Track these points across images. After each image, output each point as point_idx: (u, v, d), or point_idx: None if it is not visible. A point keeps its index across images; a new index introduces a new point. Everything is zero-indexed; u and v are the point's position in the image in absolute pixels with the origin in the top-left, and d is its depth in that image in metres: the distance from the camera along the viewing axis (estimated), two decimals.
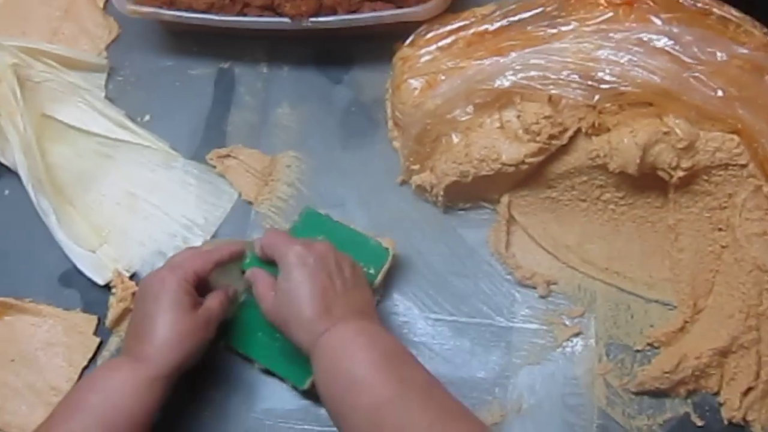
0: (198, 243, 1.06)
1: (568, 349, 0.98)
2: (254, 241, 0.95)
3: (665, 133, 0.93)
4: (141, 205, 1.10)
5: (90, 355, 1.03)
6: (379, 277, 0.97)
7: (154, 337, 0.85)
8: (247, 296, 0.96)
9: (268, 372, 0.98)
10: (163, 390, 0.85)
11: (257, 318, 0.91)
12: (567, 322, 0.99)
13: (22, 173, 1.08)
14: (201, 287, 0.92)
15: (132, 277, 1.07)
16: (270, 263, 0.91)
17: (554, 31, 0.99)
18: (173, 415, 0.98)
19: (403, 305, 1.03)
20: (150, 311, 0.87)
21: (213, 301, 0.91)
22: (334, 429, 0.94)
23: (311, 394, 0.97)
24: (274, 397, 1.00)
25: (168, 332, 0.86)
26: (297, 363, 0.90)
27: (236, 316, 0.97)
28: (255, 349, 0.97)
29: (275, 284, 0.88)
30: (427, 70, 1.02)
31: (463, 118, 0.99)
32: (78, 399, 0.83)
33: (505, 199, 1.02)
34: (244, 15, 1.07)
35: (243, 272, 0.96)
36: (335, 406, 0.79)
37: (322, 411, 0.97)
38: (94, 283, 1.05)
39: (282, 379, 0.97)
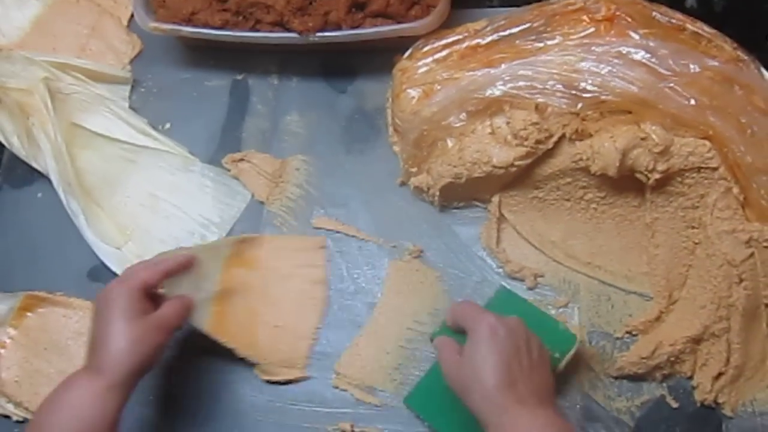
0: (214, 239, 1.08)
1: None
2: (447, 310, 0.91)
3: (642, 139, 0.92)
4: (162, 205, 1.10)
5: None
6: (563, 363, 0.90)
7: (108, 347, 0.83)
8: (435, 363, 0.92)
9: None
10: (121, 397, 0.82)
11: (441, 385, 0.85)
12: (552, 312, 0.98)
13: (53, 177, 1.08)
14: (156, 299, 0.90)
15: None
16: (459, 332, 0.86)
17: (540, 44, 0.99)
18: (188, 399, 0.99)
19: None
20: (103, 323, 0.84)
21: (166, 307, 0.88)
22: (339, 410, 0.98)
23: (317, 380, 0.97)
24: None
25: (120, 341, 0.83)
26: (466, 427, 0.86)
27: (422, 382, 0.93)
28: (433, 415, 0.93)
29: (463, 350, 0.82)
30: (424, 80, 1.02)
31: (457, 125, 0.99)
32: (42, 421, 0.81)
33: (495, 198, 1.02)
34: (257, 30, 1.07)
35: (201, 282, 0.96)
36: None
37: (328, 393, 0.98)
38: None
39: None
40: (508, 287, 0.99)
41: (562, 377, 0.93)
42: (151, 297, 0.89)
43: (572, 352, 0.90)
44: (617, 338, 0.96)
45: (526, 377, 0.78)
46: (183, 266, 0.93)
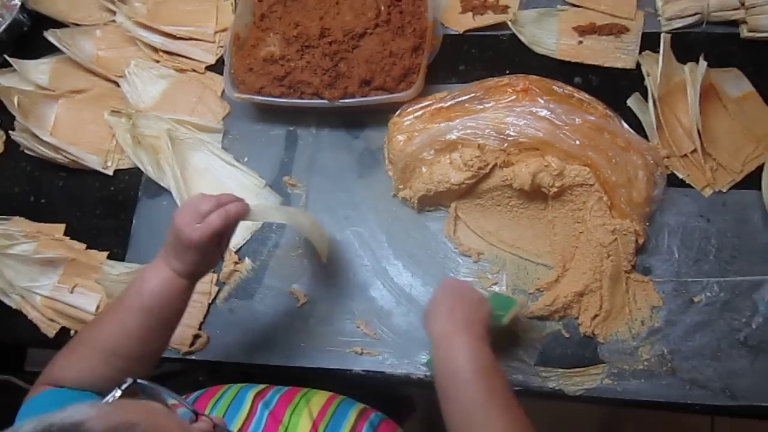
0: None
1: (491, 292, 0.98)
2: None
3: (546, 166, 0.95)
4: None
5: (213, 294, 1.04)
6: (507, 318, 0.88)
7: (186, 260, 0.76)
8: None
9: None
10: (192, 289, 0.79)
11: None
12: (489, 276, 1.00)
13: (173, 192, 1.10)
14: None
15: (237, 251, 1.07)
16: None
17: (481, 107, 1.02)
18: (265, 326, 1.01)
19: (395, 268, 1.03)
20: (178, 240, 0.75)
21: (214, 218, 0.75)
22: (353, 339, 0.99)
23: None
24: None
25: (194, 257, 0.76)
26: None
27: None
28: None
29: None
30: (408, 129, 1.04)
31: (428, 158, 1.01)
32: (136, 300, 0.75)
33: (453, 204, 1.04)
34: (302, 98, 1.07)
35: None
36: (441, 387, 0.73)
37: (347, 328, 1.00)
38: None
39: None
40: (460, 261, 1.02)
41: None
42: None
43: (514, 309, 0.89)
44: (530, 293, 0.98)
45: (463, 311, 0.78)
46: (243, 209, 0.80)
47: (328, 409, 0.78)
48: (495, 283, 1.00)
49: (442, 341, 0.75)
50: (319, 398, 0.80)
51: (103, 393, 0.57)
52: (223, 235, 0.78)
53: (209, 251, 0.77)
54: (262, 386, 0.81)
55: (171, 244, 0.76)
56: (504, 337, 0.95)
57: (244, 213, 0.79)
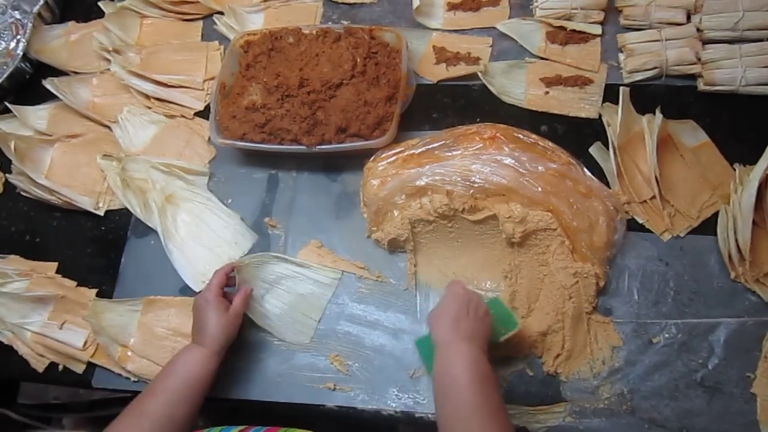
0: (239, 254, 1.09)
1: None
2: (243, 262, 0.99)
3: (508, 217, 0.97)
4: (221, 248, 1.10)
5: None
6: (505, 336, 0.91)
7: (209, 330, 0.90)
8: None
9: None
10: (217, 361, 0.89)
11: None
12: None
13: (159, 231, 1.11)
14: (227, 296, 0.95)
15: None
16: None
17: (450, 154, 1.04)
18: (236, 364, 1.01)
19: (366, 305, 1.03)
20: (203, 316, 0.91)
21: (237, 302, 0.94)
22: (326, 375, 0.99)
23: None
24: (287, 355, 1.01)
25: (215, 328, 0.90)
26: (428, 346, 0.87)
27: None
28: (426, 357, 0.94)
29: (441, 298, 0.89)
30: (381, 174, 1.06)
31: (400, 202, 1.02)
32: (169, 369, 0.87)
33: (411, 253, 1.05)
34: (281, 144, 1.08)
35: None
36: (439, 388, 0.78)
37: (321, 364, 0.99)
38: (195, 292, 1.06)
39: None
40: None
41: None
42: (224, 294, 0.95)
43: (514, 331, 0.91)
44: None
45: (469, 322, 0.83)
46: (231, 269, 0.98)
47: None
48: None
49: (445, 347, 0.80)
50: None
51: None
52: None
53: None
54: (242, 427, 0.81)
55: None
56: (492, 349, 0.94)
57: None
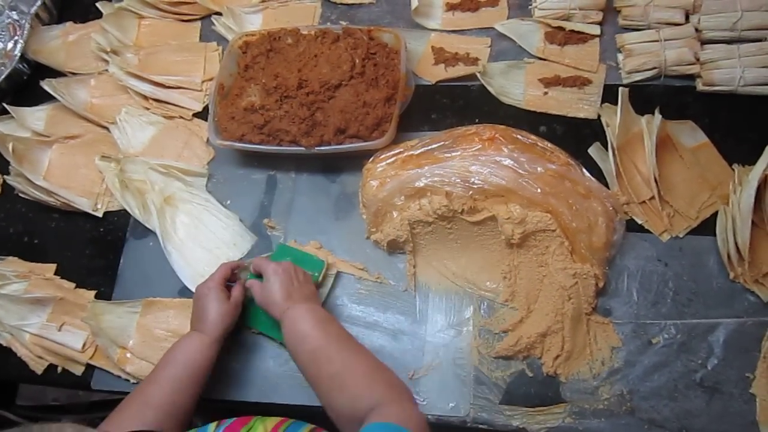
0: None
1: (458, 332, 1.00)
2: (248, 263, 1.01)
3: (507, 218, 0.97)
4: (220, 250, 1.10)
5: None
6: (320, 277, 1.01)
7: (209, 318, 0.91)
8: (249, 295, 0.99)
9: (263, 335, 1.02)
10: (217, 347, 0.91)
11: (255, 307, 0.96)
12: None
13: (158, 232, 1.11)
14: (228, 288, 0.97)
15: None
16: (259, 276, 0.96)
17: (449, 155, 1.03)
18: (234, 365, 1.01)
19: (365, 306, 1.03)
20: (203, 304, 0.93)
21: (236, 292, 0.96)
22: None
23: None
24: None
25: (216, 315, 0.92)
26: (277, 328, 0.92)
27: (246, 308, 0.99)
28: (256, 322, 1.01)
29: (263, 285, 0.93)
30: (380, 176, 1.06)
31: (399, 203, 1.02)
32: (170, 357, 0.89)
33: (410, 254, 1.04)
34: (281, 145, 1.08)
35: (248, 278, 1.01)
36: (293, 350, 0.85)
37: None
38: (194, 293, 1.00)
39: (271, 339, 1.01)
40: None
41: (462, 358, 0.96)
42: (226, 286, 0.97)
43: (323, 269, 1.01)
44: (496, 333, 0.98)
45: (297, 290, 0.90)
46: (240, 266, 1.00)
47: (279, 428, 0.79)
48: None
49: (286, 318, 0.87)
50: (272, 420, 0.82)
51: None
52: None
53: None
54: (216, 422, 0.82)
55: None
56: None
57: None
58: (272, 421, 0.80)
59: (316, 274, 1.01)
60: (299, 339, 0.84)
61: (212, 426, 0.79)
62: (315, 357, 0.81)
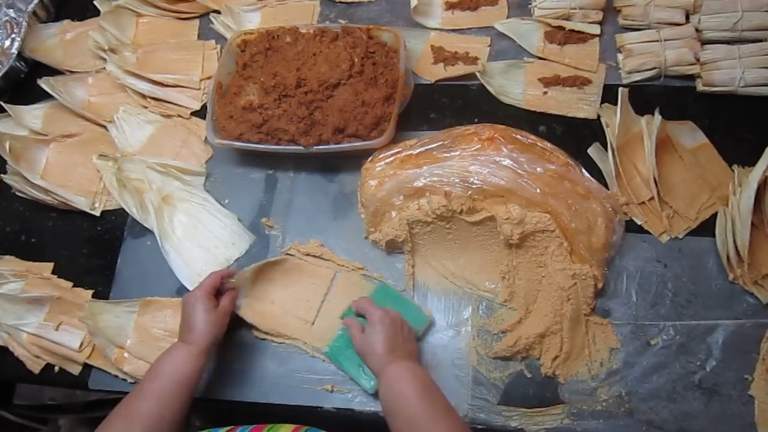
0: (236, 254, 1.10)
1: (457, 332, 0.99)
2: (236, 271, 0.99)
3: (506, 219, 0.97)
4: (218, 249, 1.10)
5: None
6: (421, 332, 0.98)
7: (196, 328, 0.89)
8: (344, 330, 0.98)
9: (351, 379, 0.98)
10: (205, 359, 0.88)
11: (349, 346, 0.94)
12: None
13: (155, 231, 1.11)
14: (217, 296, 0.95)
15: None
16: (360, 316, 0.96)
17: (448, 155, 1.03)
18: (234, 366, 1.01)
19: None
20: (191, 313, 0.90)
21: (223, 300, 0.95)
22: (324, 377, 0.99)
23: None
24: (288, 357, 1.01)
25: (203, 325, 0.89)
26: (365, 374, 0.94)
27: (341, 347, 0.97)
28: (343, 359, 0.97)
29: (364, 329, 0.91)
30: (379, 175, 1.06)
31: (398, 203, 1.02)
32: (157, 369, 0.86)
33: (408, 253, 1.04)
34: (278, 145, 1.08)
35: (242, 283, 0.99)
36: (390, 409, 0.82)
37: (318, 366, 0.99)
38: None
39: (356, 383, 0.97)
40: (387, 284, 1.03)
41: (460, 358, 0.97)
42: (215, 295, 0.94)
43: (425, 325, 0.98)
44: (495, 334, 0.98)
45: (401, 346, 0.88)
46: (230, 275, 0.98)
47: None
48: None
49: (387, 374, 0.84)
50: (285, 429, 0.81)
51: None
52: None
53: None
54: (228, 427, 0.81)
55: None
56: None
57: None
58: (287, 428, 0.80)
59: (419, 329, 0.97)
60: (400, 401, 0.80)
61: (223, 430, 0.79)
62: (415, 425, 0.77)
